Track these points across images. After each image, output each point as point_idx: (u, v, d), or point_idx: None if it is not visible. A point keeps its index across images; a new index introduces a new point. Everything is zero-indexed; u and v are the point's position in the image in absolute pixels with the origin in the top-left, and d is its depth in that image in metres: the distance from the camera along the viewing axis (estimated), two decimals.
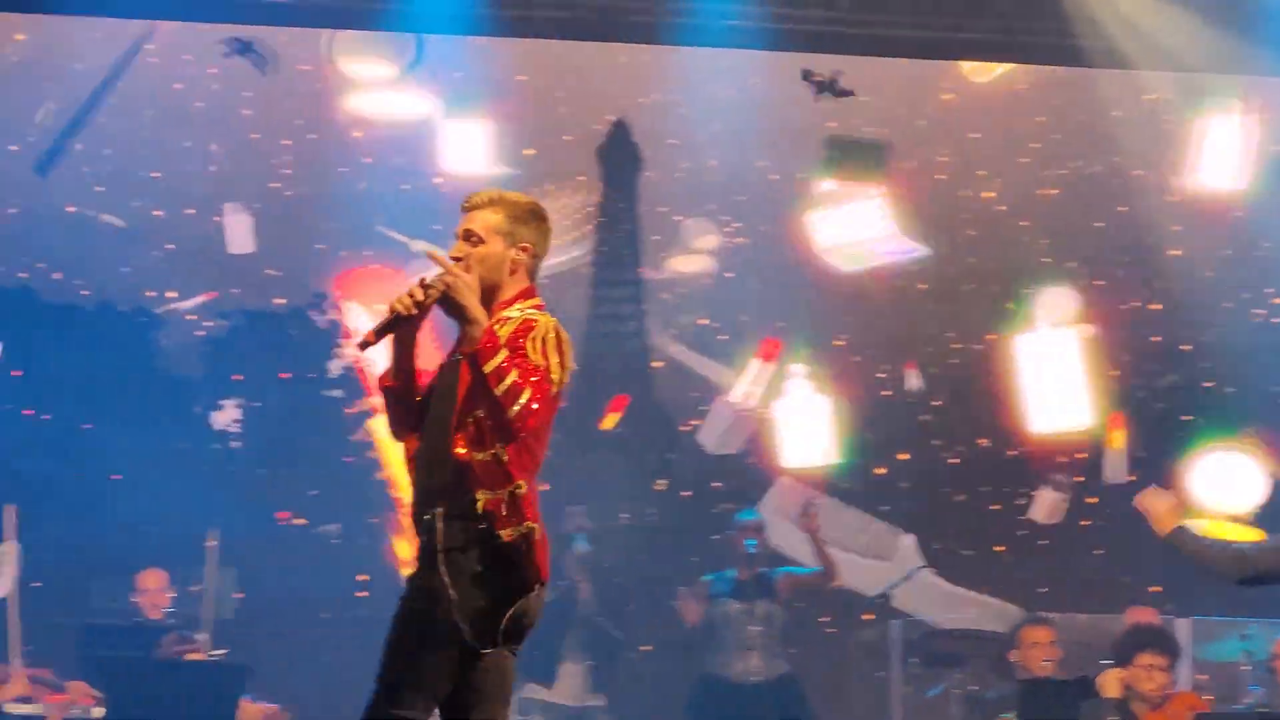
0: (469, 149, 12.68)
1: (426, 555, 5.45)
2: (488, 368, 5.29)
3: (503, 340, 5.40)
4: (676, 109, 13.24)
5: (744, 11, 12.13)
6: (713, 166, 13.37)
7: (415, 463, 5.58)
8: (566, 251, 13.31)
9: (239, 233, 13.08)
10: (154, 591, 11.18)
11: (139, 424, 12.47)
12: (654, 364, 13.70)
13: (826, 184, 12.76)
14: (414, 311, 5.42)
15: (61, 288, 13.17)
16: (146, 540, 11.71)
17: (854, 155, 12.38)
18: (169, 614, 11.16)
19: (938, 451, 13.52)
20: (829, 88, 11.62)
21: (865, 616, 12.72)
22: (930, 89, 13.21)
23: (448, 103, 12.70)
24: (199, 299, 13.36)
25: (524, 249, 5.63)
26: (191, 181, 13.06)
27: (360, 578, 12.65)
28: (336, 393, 13.20)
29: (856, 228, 12.97)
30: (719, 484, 13.22)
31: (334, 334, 13.34)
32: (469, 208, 5.66)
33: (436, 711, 5.47)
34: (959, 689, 11.39)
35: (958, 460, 13.52)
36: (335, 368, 13.30)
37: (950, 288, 13.59)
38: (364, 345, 5.46)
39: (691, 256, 13.89)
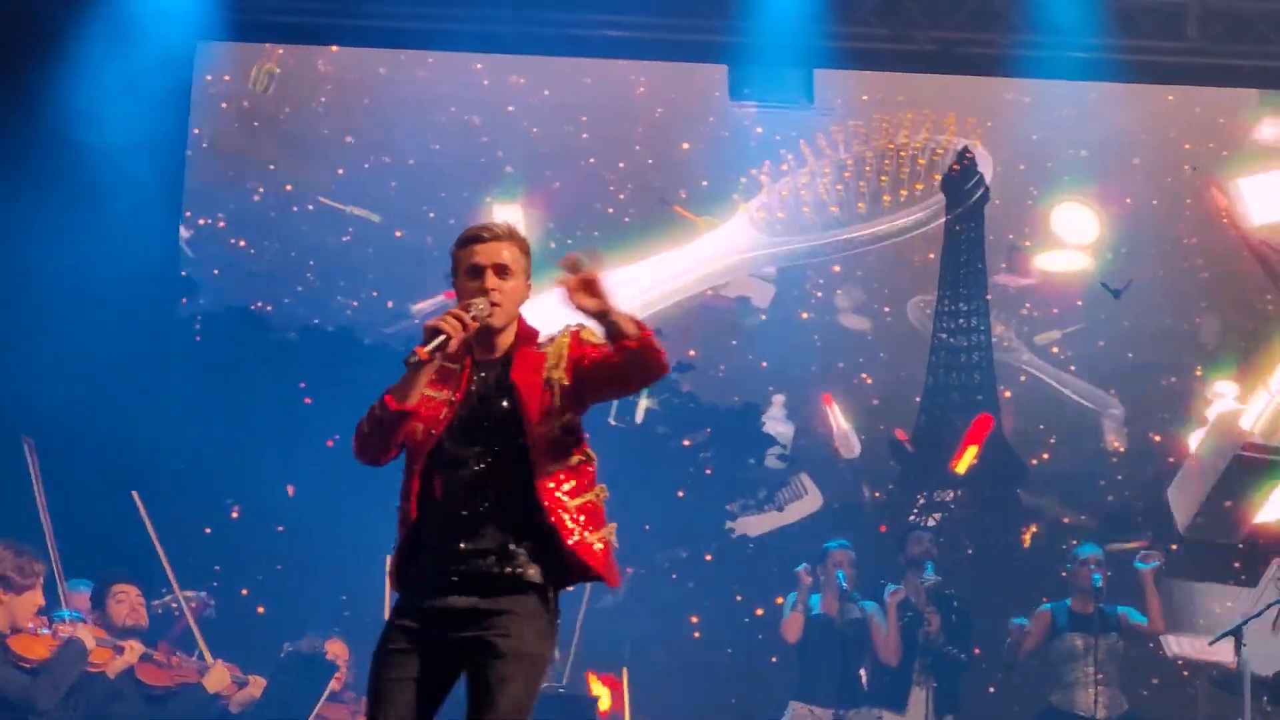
0: None
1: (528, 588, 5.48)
2: (645, 342, 5.29)
3: (567, 361, 5.46)
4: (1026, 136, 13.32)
5: (1093, 44, 12.22)
6: None
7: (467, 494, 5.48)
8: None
9: None
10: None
11: None
12: (1004, 394, 13.70)
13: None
14: (461, 334, 5.39)
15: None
16: None
17: None
18: None
19: None
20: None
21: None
22: None
23: None
24: None
25: (529, 286, 5.63)
26: None
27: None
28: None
29: None
30: (1068, 518, 13.14)
31: None
32: (493, 238, 5.58)
33: None
34: None
35: None
36: None
37: None
38: (417, 363, 5.36)
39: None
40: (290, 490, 12.47)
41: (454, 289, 5.65)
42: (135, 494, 10.49)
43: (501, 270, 5.53)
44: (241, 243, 13.23)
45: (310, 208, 13.30)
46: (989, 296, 13.64)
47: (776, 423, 13.52)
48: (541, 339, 5.58)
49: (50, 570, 9.81)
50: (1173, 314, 13.71)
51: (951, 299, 13.42)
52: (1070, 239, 14.03)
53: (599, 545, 5.45)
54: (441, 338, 5.34)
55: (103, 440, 11.26)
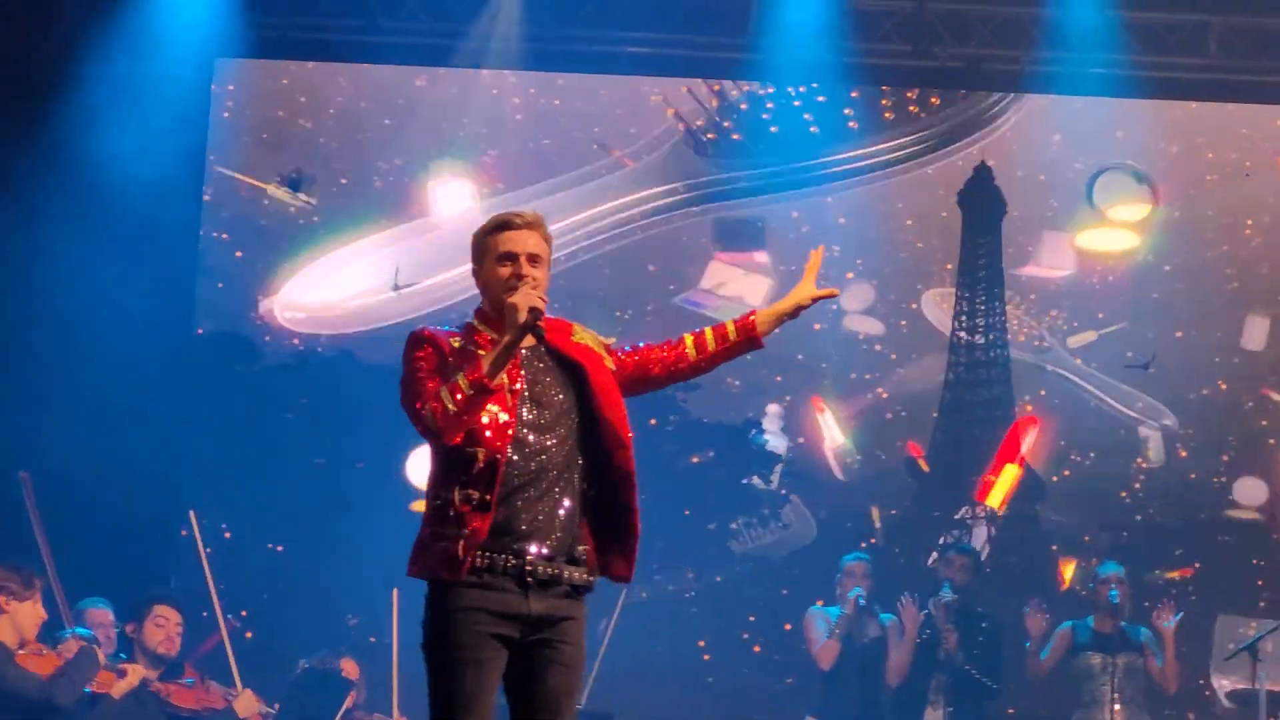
0: None
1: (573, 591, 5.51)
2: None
3: (594, 342, 5.63)
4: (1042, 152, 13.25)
5: (1116, 60, 12.24)
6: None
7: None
8: None
9: None
10: None
11: None
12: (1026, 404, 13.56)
13: None
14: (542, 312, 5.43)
15: None
16: None
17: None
18: None
19: None
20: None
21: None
22: None
23: None
24: None
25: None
26: None
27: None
28: None
29: None
30: (1088, 537, 13.07)
31: None
32: (525, 225, 5.60)
33: None
34: None
35: None
36: None
37: None
38: (529, 328, 5.36)
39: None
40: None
41: (477, 276, 5.67)
42: (192, 513, 10.75)
43: (534, 259, 5.55)
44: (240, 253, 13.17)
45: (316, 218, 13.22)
46: (1013, 299, 13.33)
47: (772, 437, 13.25)
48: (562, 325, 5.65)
49: (50, 590, 9.86)
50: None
51: (969, 314, 13.30)
52: (1116, 214, 13.44)
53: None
54: (534, 314, 5.35)
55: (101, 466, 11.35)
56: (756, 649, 12.82)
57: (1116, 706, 11.10)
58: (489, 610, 5.34)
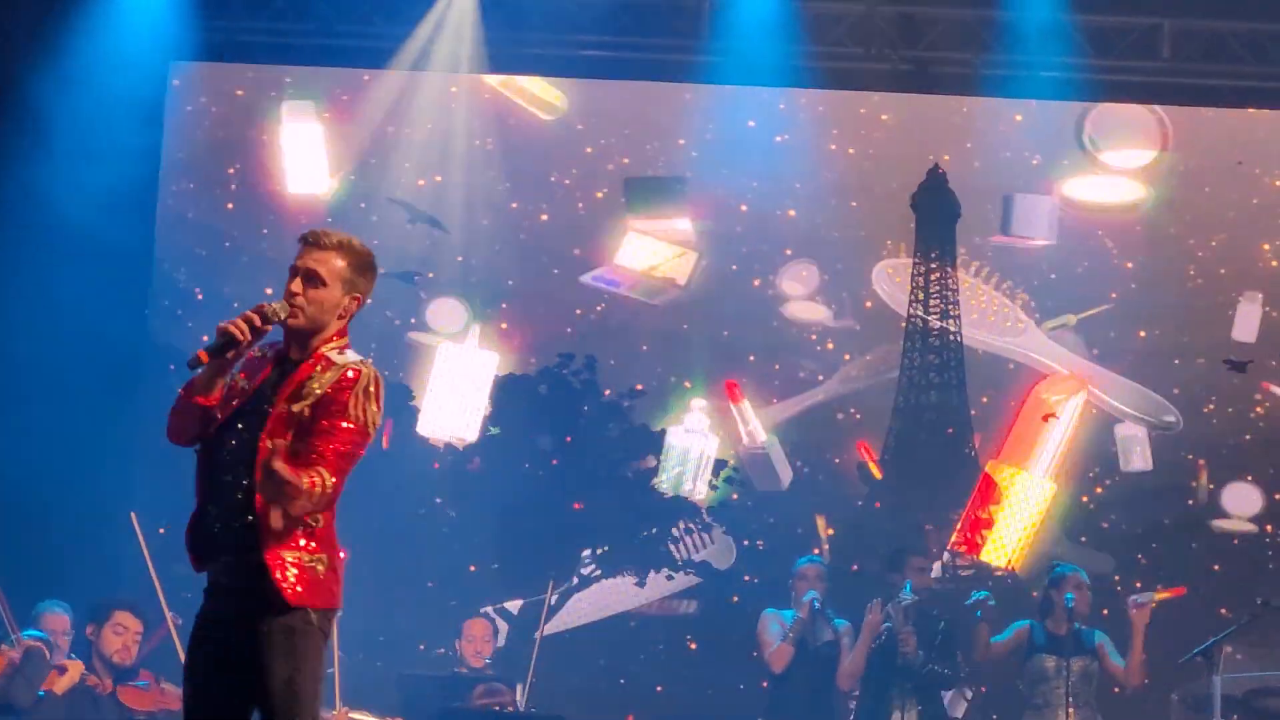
0: None
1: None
2: (308, 498, 5.43)
3: (320, 392, 5.56)
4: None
5: (1068, 64, 12.27)
6: None
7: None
8: None
9: None
10: (479, 640, 11.47)
11: None
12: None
13: None
14: (248, 338, 5.56)
15: None
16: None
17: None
18: (488, 663, 11.43)
19: None
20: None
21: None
22: None
23: None
24: None
25: (356, 299, 5.74)
26: None
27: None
28: None
29: None
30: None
31: None
32: (316, 245, 5.72)
33: None
34: None
35: None
36: None
37: None
38: (194, 364, 5.57)
39: None
40: None
41: None
42: (134, 515, 10.63)
43: (311, 277, 5.66)
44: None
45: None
46: (981, 273, 13.30)
47: (697, 437, 13.14)
48: (330, 349, 5.68)
49: None
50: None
51: (923, 316, 13.25)
52: (1117, 158, 13.11)
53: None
54: (225, 339, 5.53)
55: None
56: (694, 649, 12.88)
57: (1070, 710, 11.10)
58: None
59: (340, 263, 5.69)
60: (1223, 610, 12.27)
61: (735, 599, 12.78)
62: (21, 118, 11.74)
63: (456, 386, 13.04)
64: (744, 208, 13.17)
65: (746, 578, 12.94)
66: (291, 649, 5.47)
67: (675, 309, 13.29)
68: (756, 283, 13.23)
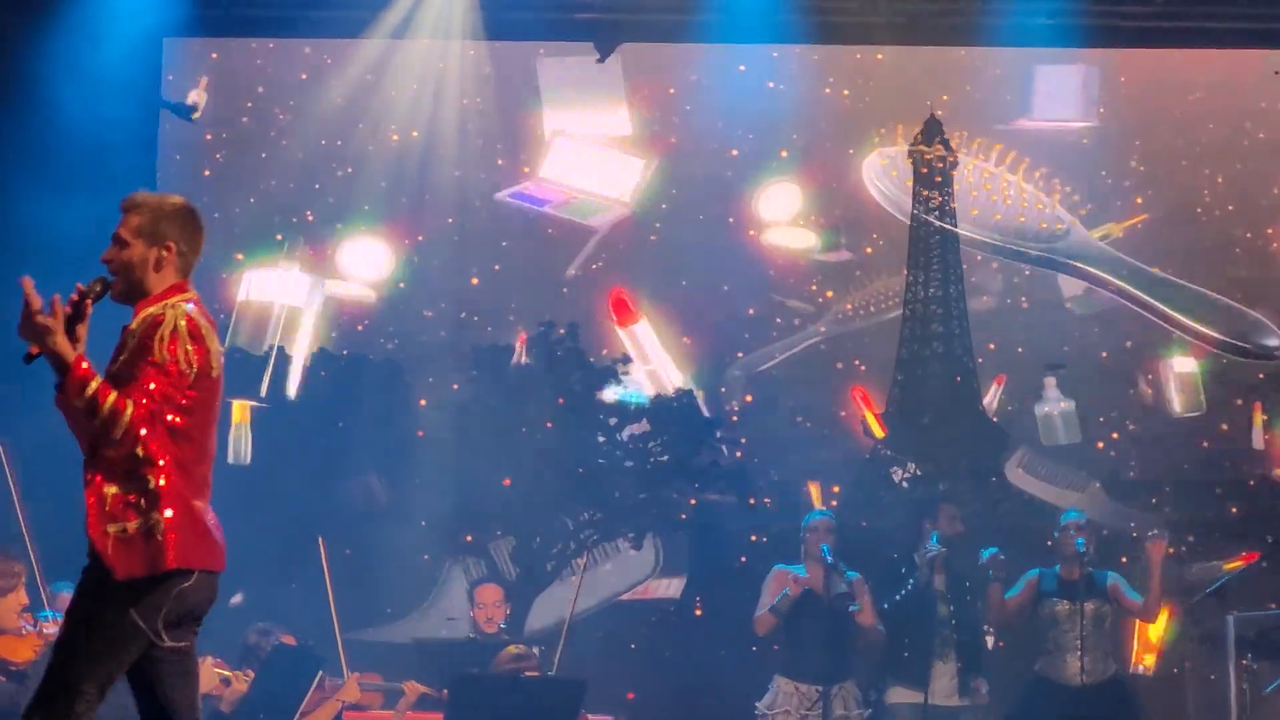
0: None
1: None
2: (79, 401, 5.59)
3: (135, 339, 5.71)
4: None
5: (1061, 9, 12.23)
6: None
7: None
8: None
9: None
10: (490, 605, 11.51)
11: None
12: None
13: None
14: (52, 335, 5.64)
15: None
16: None
17: None
18: (502, 629, 11.45)
19: None
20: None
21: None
22: None
23: None
24: None
25: (168, 247, 5.86)
26: None
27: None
28: None
29: None
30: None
31: None
32: (121, 212, 5.91)
33: None
34: None
35: None
36: None
37: None
38: (29, 359, 5.73)
39: None
40: None
41: None
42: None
43: (115, 240, 5.88)
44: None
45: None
46: (1010, 163, 13.15)
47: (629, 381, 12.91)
48: (153, 307, 5.81)
49: (31, 571, 9.88)
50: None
51: (924, 276, 13.22)
52: None
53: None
54: (38, 331, 5.62)
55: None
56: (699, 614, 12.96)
57: (1083, 654, 11.15)
58: None
59: (137, 219, 5.87)
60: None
61: (743, 559, 12.78)
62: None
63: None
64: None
65: (754, 538, 12.95)
66: (97, 599, 5.72)
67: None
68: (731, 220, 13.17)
